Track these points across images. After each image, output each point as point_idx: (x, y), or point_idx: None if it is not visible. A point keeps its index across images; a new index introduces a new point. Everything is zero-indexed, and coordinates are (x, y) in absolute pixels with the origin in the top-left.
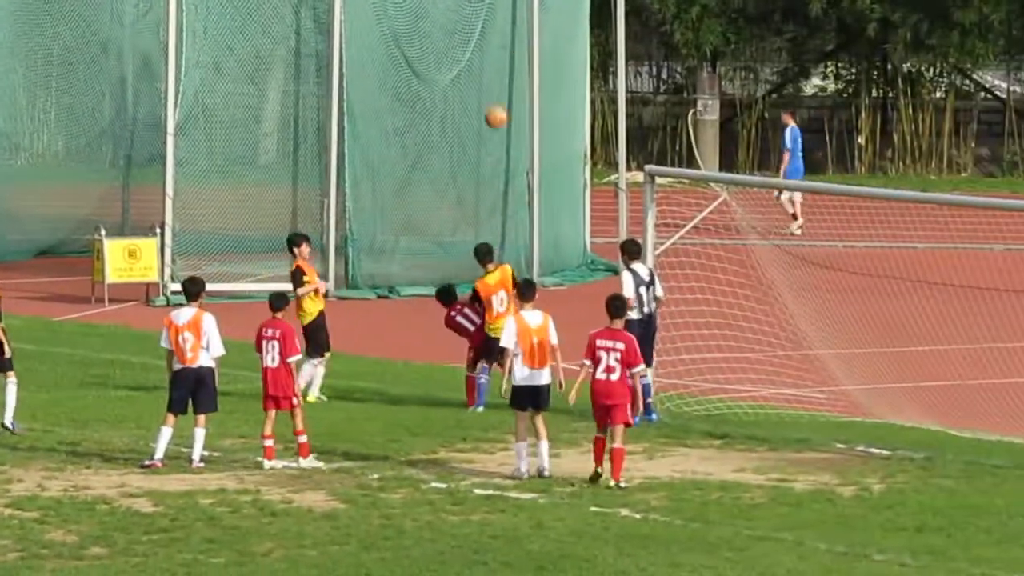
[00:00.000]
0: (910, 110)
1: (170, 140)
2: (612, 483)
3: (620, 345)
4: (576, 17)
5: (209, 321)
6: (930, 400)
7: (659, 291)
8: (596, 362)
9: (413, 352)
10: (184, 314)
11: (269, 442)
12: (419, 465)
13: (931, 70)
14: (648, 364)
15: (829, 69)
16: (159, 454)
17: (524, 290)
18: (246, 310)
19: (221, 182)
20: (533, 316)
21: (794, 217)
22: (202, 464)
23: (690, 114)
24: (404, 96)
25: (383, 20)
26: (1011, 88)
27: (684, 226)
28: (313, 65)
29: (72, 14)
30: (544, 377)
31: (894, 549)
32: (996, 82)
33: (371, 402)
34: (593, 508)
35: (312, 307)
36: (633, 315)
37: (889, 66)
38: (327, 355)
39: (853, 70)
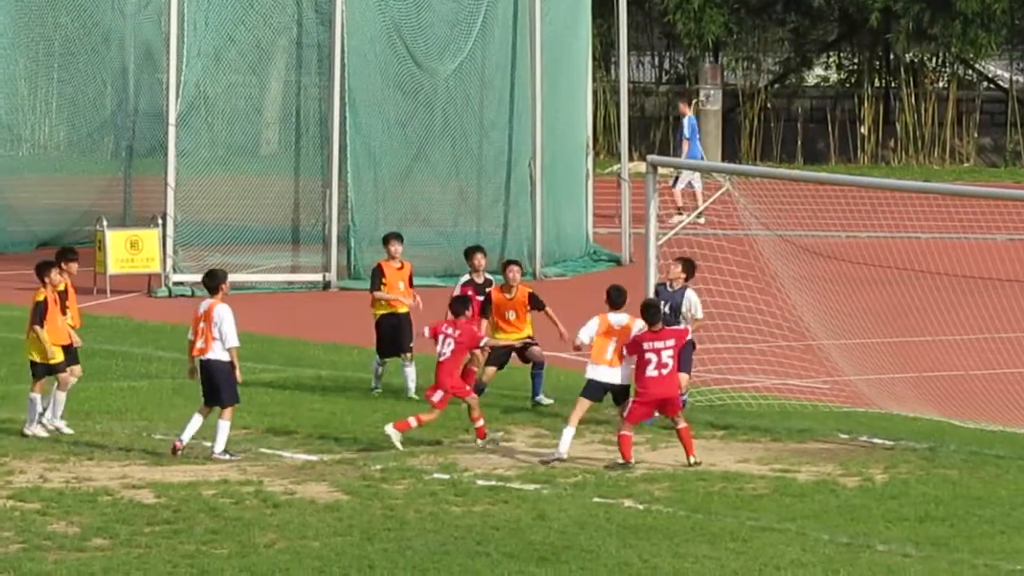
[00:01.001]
0: (912, 100)
1: (171, 131)
2: (692, 460)
3: (671, 342)
4: (578, 7)
5: (221, 312)
6: (933, 390)
7: (698, 312)
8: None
9: (417, 343)
10: (203, 305)
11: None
12: (422, 456)
13: (933, 60)
14: None
15: (831, 59)
16: (184, 436)
17: (614, 298)
18: (248, 301)
19: (223, 173)
20: (619, 317)
21: (680, 211)
22: (225, 456)
23: (692, 104)
24: (406, 86)
25: (385, 10)
26: (1014, 78)
27: (687, 217)
28: (315, 56)
29: (73, 4)
30: (618, 376)
31: (897, 540)
32: (999, 72)
33: (372, 393)
34: (596, 499)
35: (378, 309)
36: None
37: (891, 56)
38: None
39: (855, 60)
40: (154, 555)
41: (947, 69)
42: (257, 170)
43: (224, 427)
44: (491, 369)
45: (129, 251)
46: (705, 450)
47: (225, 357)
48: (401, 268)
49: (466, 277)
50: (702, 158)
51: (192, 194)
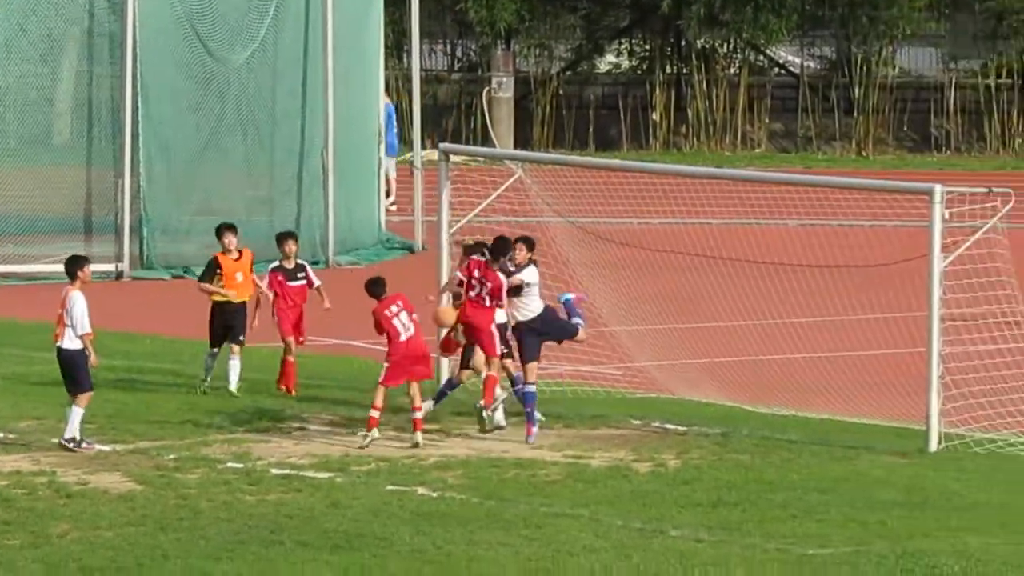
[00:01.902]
0: (704, 86)
1: None
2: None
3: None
4: None
5: (73, 298)
6: (725, 376)
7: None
8: None
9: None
10: (63, 291)
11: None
12: (215, 445)
13: (725, 46)
14: None
15: (623, 46)
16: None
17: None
18: (41, 291)
19: (14, 164)
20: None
21: (387, 193)
22: (72, 444)
23: (484, 92)
24: (198, 76)
25: (176, 0)
26: (804, 64)
27: (479, 204)
28: (107, 45)
29: None
30: None
31: (690, 525)
32: (790, 57)
33: (166, 383)
34: (389, 487)
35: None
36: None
37: (683, 42)
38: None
39: (647, 47)
40: None
41: (738, 55)
42: (49, 160)
43: (77, 414)
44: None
45: None
46: (498, 437)
47: (78, 345)
48: (239, 258)
49: (276, 263)
50: (395, 150)
51: None
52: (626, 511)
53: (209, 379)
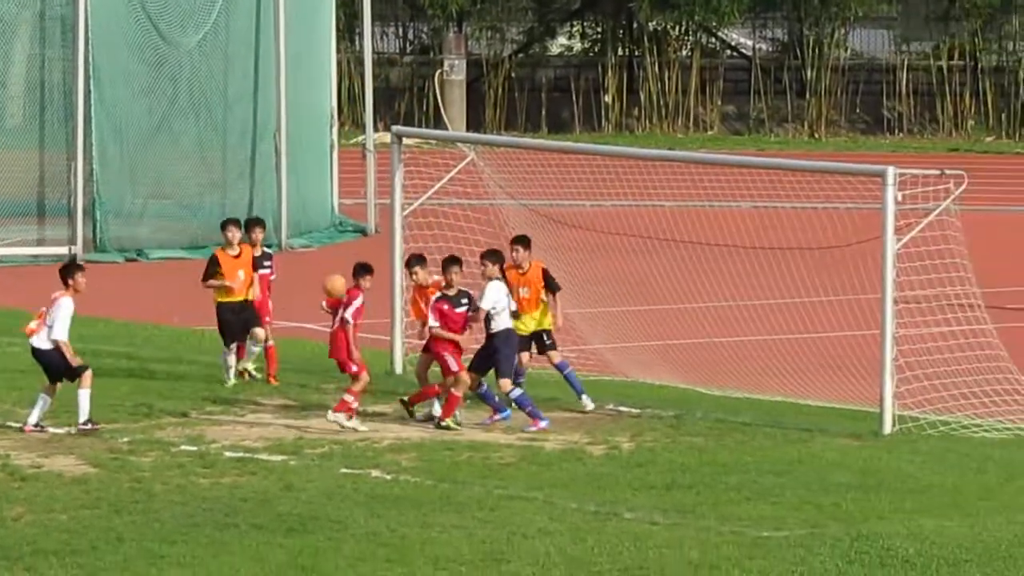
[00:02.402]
0: (656, 68)
1: None
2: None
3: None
4: None
5: (61, 304)
6: (679, 358)
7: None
8: None
9: (162, 315)
10: (55, 294)
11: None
12: (168, 428)
13: (677, 28)
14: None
15: (575, 28)
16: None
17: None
18: None
19: None
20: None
21: None
22: (89, 425)
23: (437, 74)
24: (150, 59)
25: None
26: (756, 46)
27: (432, 187)
28: (59, 28)
29: None
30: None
31: (644, 507)
32: (742, 40)
33: (120, 366)
34: (343, 470)
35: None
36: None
37: (635, 24)
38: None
39: (599, 29)
40: None
41: (690, 37)
42: (1, 144)
43: (84, 396)
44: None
45: None
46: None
47: (49, 346)
48: (239, 255)
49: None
50: None
51: None
52: (580, 494)
53: (232, 376)
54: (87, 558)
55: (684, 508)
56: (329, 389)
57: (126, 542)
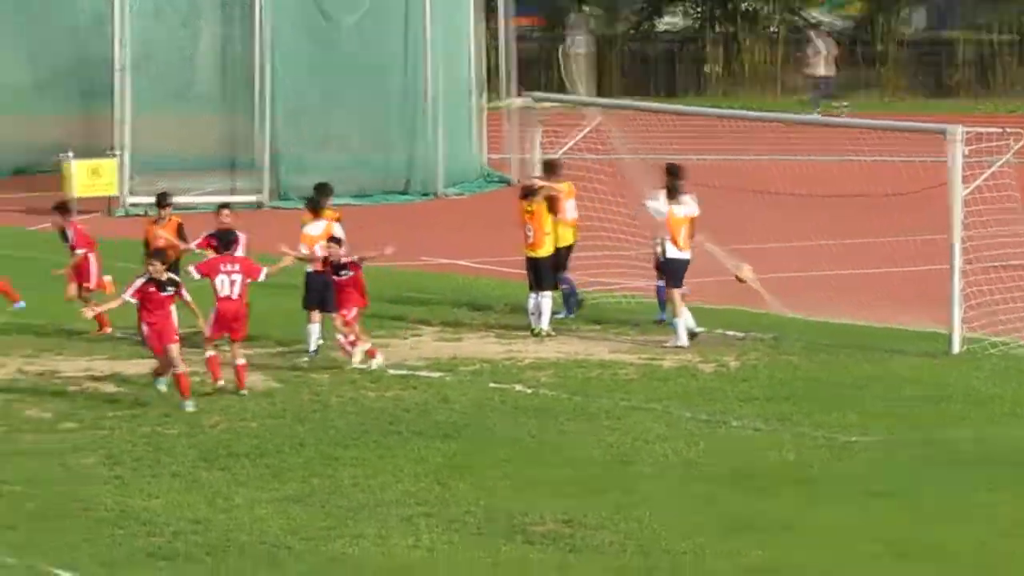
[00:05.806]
0: (749, 43)
1: (118, 76)
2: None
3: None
4: None
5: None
6: (775, 289)
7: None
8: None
9: None
10: (315, 227)
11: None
12: (339, 351)
13: (765, 8)
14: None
15: (679, 8)
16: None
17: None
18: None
19: (165, 112)
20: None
21: None
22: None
23: (561, 48)
24: (316, 36)
25: None
26: (833, 23)
27: (566, 143)
28: (238, 11)
29: None
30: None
31: (748, 416)
32: (823, 19)
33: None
34: (491, 384)
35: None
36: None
37: (729, 5)
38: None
39: (699, 9)
40: (116, 436)
41: (777, 16)
42: (195, 109)
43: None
44: None
45: (91, 177)
46: (583, 341)
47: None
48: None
49: (212, 230)
50: None
51: (141, 130)
52: (693, 404)
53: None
54: (273, 459)
55: (782, 416)
56: (477, 317)
57: (307, 446)
